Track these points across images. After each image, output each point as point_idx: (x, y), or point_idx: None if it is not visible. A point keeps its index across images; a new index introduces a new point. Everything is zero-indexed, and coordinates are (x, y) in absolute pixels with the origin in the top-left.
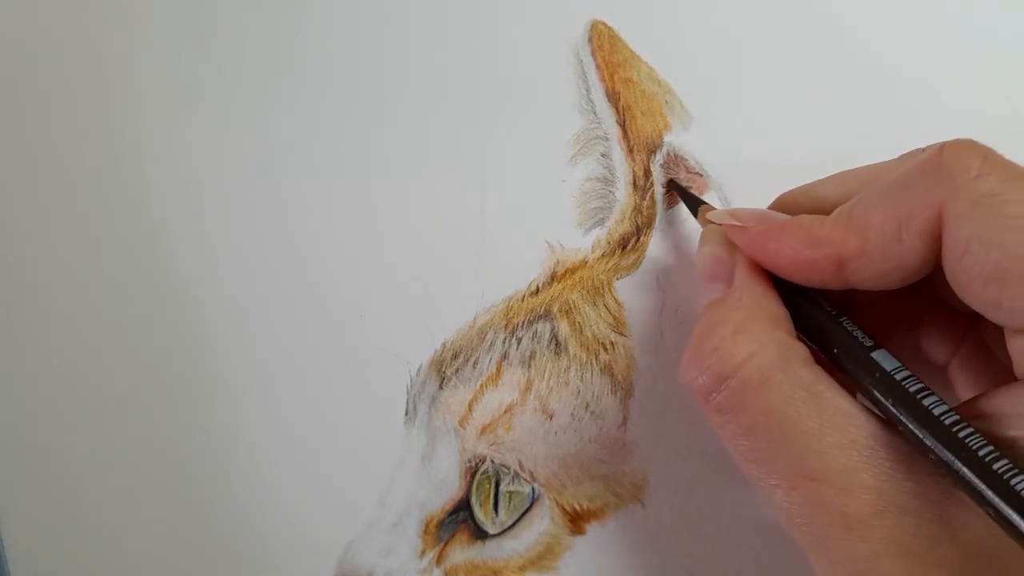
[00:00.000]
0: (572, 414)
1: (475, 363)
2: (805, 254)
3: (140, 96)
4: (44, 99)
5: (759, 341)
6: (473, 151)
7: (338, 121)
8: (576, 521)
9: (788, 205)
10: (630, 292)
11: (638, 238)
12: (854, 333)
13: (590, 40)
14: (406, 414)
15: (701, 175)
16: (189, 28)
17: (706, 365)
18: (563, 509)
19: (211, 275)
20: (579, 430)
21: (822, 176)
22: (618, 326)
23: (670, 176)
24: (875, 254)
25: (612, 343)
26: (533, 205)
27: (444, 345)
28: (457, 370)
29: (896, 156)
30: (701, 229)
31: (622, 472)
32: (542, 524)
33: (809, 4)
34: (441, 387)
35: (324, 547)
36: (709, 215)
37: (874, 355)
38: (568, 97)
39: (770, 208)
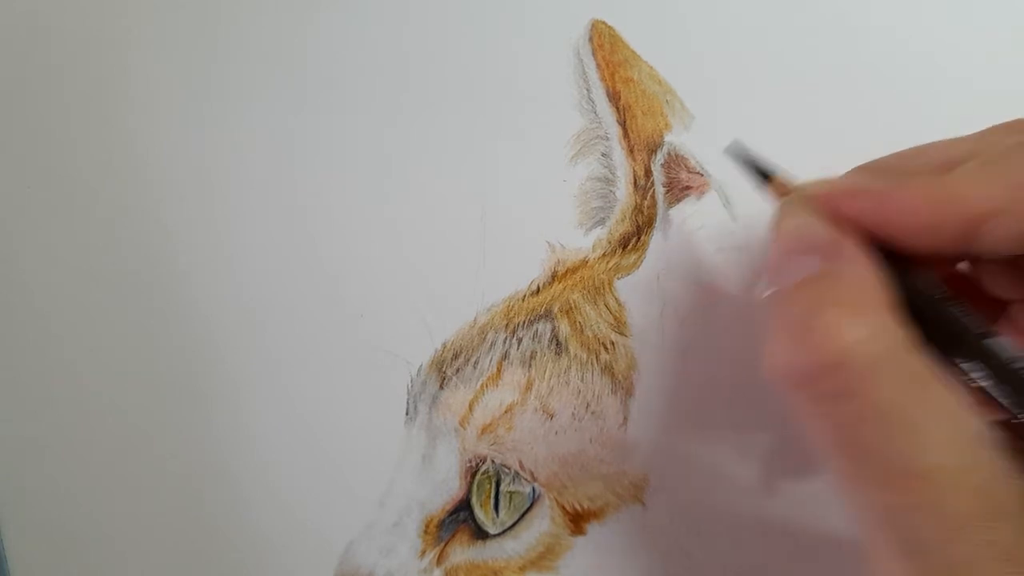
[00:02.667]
0: (573, 414)
1: (476, 363)
2: (929, 215)
3: (148, 99)
4: (55, 98)
5: (868, 325)
6: (474, 151)
7: (339, 122)
8: (577, 521)
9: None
10: (631, 292)
11: (639, 238)
12: (966, 318)
13: (591, 39)
14: (407, 414)
15: (702, 175)
16: (198, 31)
17: (807, 349)
18: (564, 509)
19: (212, 277)
20: (580, 430)
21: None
22: (619, 326)
23: (741, 154)
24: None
25: (613, 343)
26: (534, 205)
27: (445, 345)
28: (458, 370)
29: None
30: (700, 229)
31: (623, 472)
32: (543, 524)
33: (811, 3)
34: (442, 387)
35: (325, 546)
36: (808, 187)
37: (987, 343)
38: (569, 97)
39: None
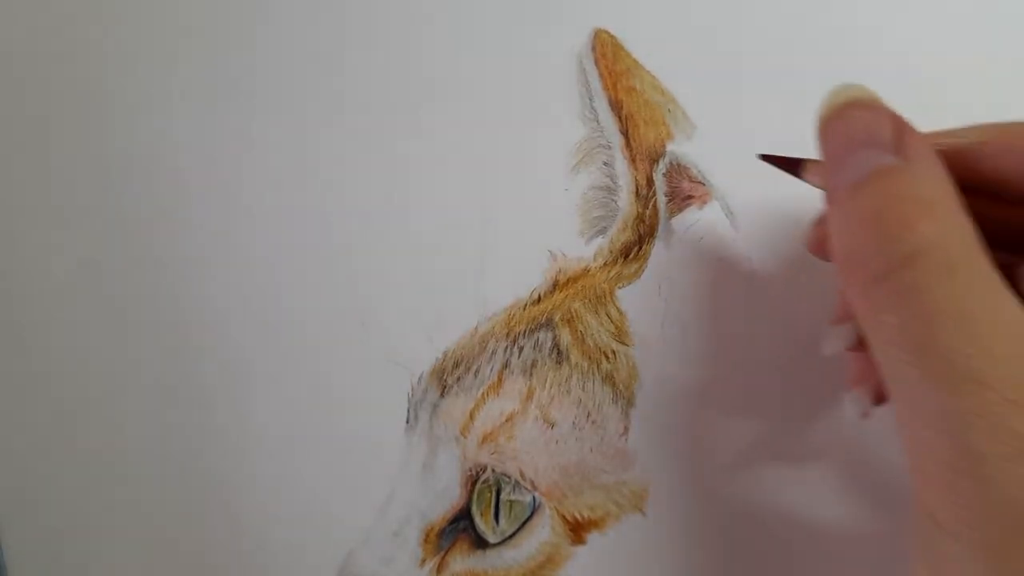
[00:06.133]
0: (573, 423)
1: (476, 372)
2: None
3: (154, 100)
4: (60, 100)
5: (950, 224)
6: (476, 159)
7: (341, 129)
8: (577, 530)
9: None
10: (632, 301)
11: (640, 247)
12: None
13: (593, 49)
14: (407, 423)
15: (704, 184)
16: (205, 35)
17: (882, 242)
18: (564, 518)
19: (215, 282)
20: (580, 439)
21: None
22: (620, 335)
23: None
24: None
25: (614, 352)
26: (536, 213)
27: (445, 354)
28: (458, 379)
29: None
30: (701, 239)
31: (623, 481)
32: (543, 533)
33: (813, 14)
34: (442, 396)
35: (324, 556)
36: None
37: None
38: (571, 106)
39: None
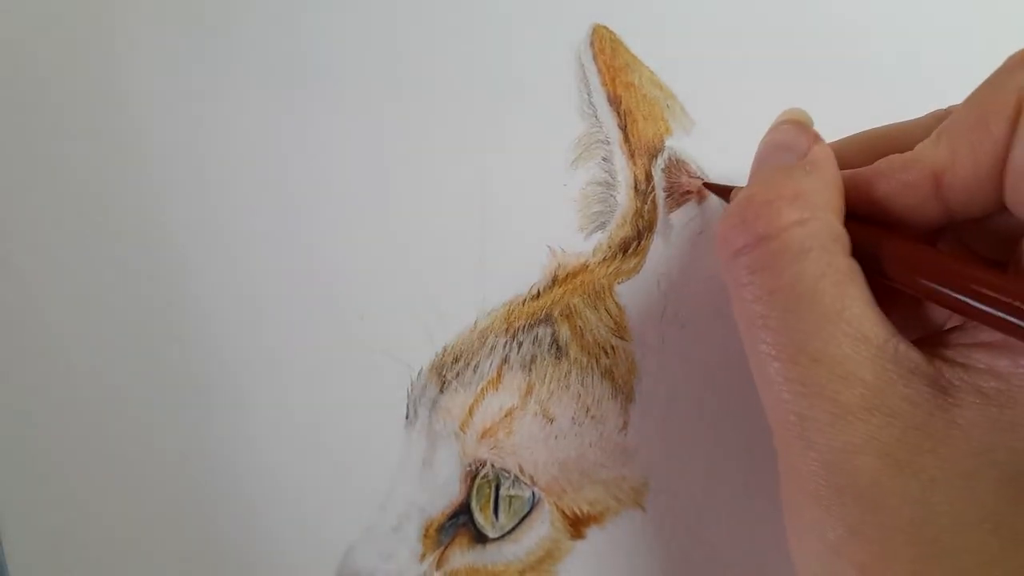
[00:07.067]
0: (573, 418)
1: (476, 367)
2: (902, 177)
3: (147, 95)
4: (54, 97)
5: (813, 213)
6: (474, 154)
7: (340, 124)
8: (576, 525)
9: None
10: (631, 296)
11: (639, 242)
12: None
13: (592, 44)
14: (406, 418)
15: (702, 179)
16: (198, 28)
17: (751, 219)
18: (563, 513)
19: (212, 277)
20: (580, 435)
21: None
22: (619, 330)
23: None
24: (965, 157)
25: (613, 347)
26: (534, 209)
27: (445, 349)
28: (458, 374)
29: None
30: (700, 234)
31: (623, 477)
32: (542, 528)
33: (813, 8)
34: (442, 391)
35: (324, 551)
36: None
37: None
38: (570, 101)
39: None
